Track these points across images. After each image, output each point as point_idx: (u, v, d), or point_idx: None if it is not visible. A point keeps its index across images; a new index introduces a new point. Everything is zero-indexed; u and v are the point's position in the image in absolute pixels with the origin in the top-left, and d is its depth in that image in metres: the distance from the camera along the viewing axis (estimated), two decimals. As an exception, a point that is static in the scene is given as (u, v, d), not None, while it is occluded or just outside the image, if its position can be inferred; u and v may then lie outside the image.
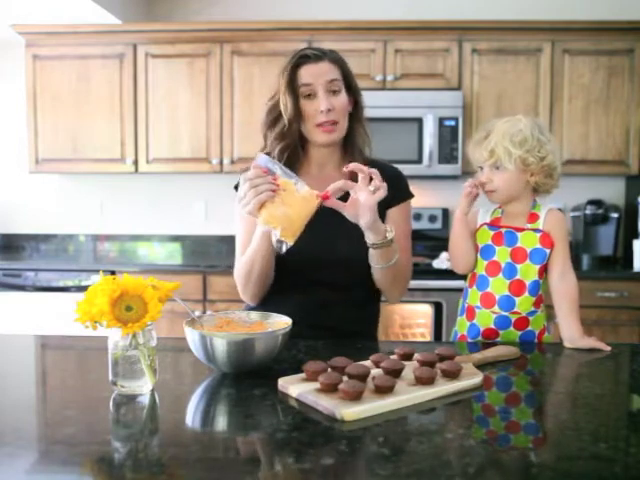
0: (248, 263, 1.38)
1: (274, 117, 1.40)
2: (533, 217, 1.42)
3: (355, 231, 1.29)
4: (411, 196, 1.49)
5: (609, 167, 3.10)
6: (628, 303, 2.80)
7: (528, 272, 1.39)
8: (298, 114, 1.36)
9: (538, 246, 1.39)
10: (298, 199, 1.18)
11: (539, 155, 1.36)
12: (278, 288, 1.46)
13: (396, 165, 1.53)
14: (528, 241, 1.39)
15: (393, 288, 1.44)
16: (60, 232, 3.63)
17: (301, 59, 1.36)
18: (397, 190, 1.43)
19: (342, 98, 1.38)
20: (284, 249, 1.20)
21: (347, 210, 1.23)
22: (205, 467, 0.74)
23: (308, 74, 1.35)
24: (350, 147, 1.45)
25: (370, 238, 1.27)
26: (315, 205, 1.18)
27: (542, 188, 1.42)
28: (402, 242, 1.41)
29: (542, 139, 1.37)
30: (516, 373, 1.15)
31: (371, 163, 1.33)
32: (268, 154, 1.32)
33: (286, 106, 1.36)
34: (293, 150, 1.41)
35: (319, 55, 1.36)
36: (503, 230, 1.42)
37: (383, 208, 1.42)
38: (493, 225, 1.44)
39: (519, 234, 1.41)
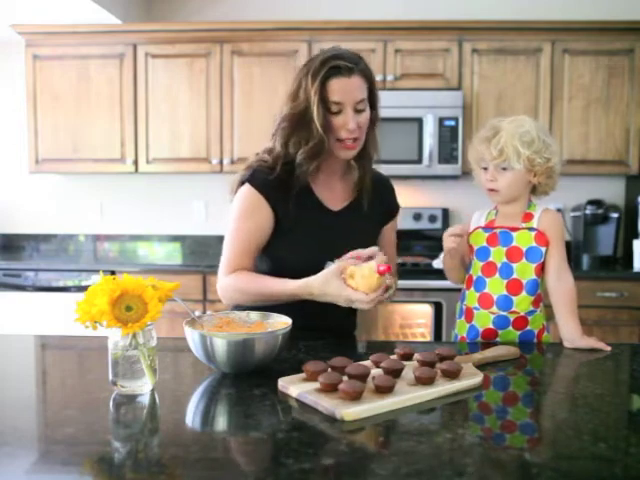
0: (259, 295, 1.34)
1: (301, 123, 1.34)
2: (528, 216, 1.42)
3: (354, 236, 1.29)
4: (399, 208, 1.57)
5: (609, 167, 3.10)
6: (628, 303, 2.80)
7: (525, 271, 1.39)
8: (329, 126, 1.34)
9: (533, 244, 1.39)
10: (362, 279, 1.21)
11: (545, 156, 1.36)
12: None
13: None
14: (523, 240, 1.39)
15: None
16: (60, 232, 3.63)
17: (332, 70, 1.31)
18: (390, 204, 1.54)
19: (366, 115, 1.36)
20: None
21: None
22: (205, 467, 0.74)
23: (339, 92, 1.31)
24: (359, 157, 1.42)
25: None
26: (376, 279, 1.20)
27: (541, 189, 1.42)
28: (390, 250, 1.51)
29: (547, 141, 1.38)
30: (516, 373, 1.15)
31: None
32: (293, 160, 1.36)
33: (319, 117, 1.31)
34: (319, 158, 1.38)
35: (350, 67, 1.31)
36: (497, 231, 1.42)
37: (380, 227, 1.52)
38: (487, 227, 1.44)
39: (514, 234, 1.41)
